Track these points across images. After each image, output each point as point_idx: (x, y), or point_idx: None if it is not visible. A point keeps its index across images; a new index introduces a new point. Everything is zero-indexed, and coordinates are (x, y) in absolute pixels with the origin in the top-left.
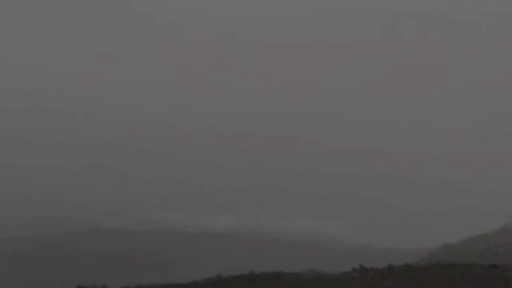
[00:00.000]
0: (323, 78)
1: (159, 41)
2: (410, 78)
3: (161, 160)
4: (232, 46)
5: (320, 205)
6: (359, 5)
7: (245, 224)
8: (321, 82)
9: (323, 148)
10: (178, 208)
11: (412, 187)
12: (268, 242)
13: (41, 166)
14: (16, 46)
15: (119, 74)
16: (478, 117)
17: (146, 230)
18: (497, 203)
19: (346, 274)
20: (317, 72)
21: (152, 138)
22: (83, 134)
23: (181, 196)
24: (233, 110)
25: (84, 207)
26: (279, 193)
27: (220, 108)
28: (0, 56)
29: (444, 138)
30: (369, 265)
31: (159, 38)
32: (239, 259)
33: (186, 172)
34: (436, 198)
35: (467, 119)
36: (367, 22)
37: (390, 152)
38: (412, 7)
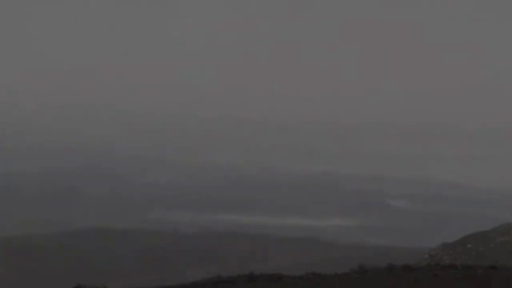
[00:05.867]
0: None
1: None
2: None
3: (161, 160)
4: None
5: (320, 205)
6: None
7: (245, 224)
8: None
9: (324, 148)
10: (178, 208)
11: (411, 186)
12: (268, 242)
13: (40, 167)
14: None
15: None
16: (478, 117)
17: (145, 230)
18: (496, 202)
19: (346, 274)
20: None
21: (153, 138)
22: (82, 134)
23: (181, 196)
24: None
25: (84, 207)
26: (279, 193)
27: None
28: None
29: (445, 138)
30: (369, 265)
31: None
32: (239, 259)
33: (186, 172)
34: (435, 197)
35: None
36: None
37: (390, 152)
38: None
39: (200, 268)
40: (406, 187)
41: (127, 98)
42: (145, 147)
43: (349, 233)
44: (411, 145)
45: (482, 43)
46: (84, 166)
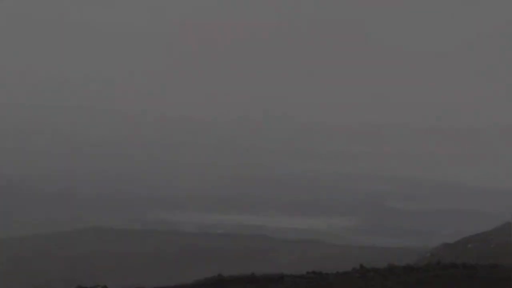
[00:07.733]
0: None
1: None
2: None
3: (162, 160)
4: None
5: (321, 205)
6: None
7: (245, 224)
8: None
9: (323, 149)
10: (178, 208)
11: (412, 186)
12: (268, 242)
13: (40, 167)
14: None
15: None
16: (477, 116)
17: (146, 230)
18: (497, 202)
19: (347, 274)
20: None
21: (153, 138)
22: (85, 134)
23: (181, 196)
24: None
25: (84, 207)
26: (279, 193)
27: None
28: None
29: (444, 138)
30: (370, 265)
31: None
32: (239, 259)
33: (187, 172)
34: (436, 197)
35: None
36: None
37: (390, 153)
38: None
39: (200, 268)
40: (407, 187)
41: (125, 99)
42: (144, 147)
43: (350, 233)
44: (411, 146)
45: None
46: (83, 166)
